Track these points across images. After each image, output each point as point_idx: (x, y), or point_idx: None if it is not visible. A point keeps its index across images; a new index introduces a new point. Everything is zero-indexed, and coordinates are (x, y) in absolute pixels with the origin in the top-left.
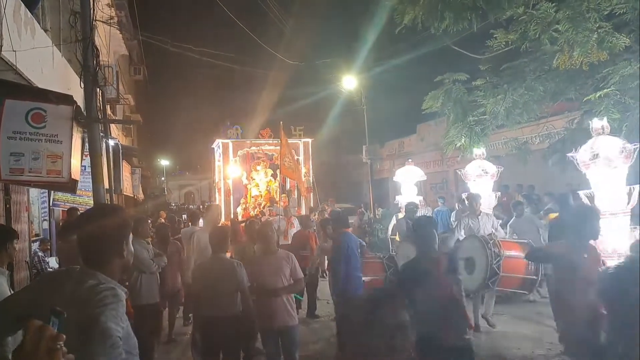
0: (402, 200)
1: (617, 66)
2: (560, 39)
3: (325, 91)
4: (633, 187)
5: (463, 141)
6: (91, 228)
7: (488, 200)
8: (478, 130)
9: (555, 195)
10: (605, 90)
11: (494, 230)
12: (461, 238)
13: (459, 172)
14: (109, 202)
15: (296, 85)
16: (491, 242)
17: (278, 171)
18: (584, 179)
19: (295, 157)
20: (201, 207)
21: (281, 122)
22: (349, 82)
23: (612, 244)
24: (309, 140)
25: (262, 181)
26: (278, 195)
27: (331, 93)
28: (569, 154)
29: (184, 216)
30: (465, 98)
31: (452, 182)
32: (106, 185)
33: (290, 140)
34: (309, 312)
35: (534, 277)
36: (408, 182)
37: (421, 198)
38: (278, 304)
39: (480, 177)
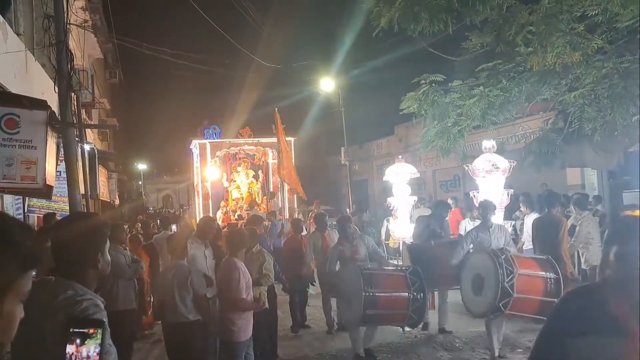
0: (394, 201)
1: (591, 67)
2: (533, 40)
3: (303, 93)
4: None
5: (440, 142)
6: (65, 238)
7: (499, 198)
8: (455, 131)
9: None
10: (579, 90)
11: (508, 247)
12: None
13: (466, 168)
14: (85, 208)
15: (274, 87)
16: (503, 257)
17: (260, 172)
18: (559, 180)
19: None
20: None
21: (276, 109)
22: (327, 84)
23: None
24: (292, 139)
25: (243, 183)
26: (260, 197)
27: (309, 95)
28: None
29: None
30: (442, 99)
31: (430, 183)
32: (82, 191)
33: (271, 140)
34: (296, 325)
35: (554, 299)
36: (400, 181)
37: (415, 198)
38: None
39: (491, 172)
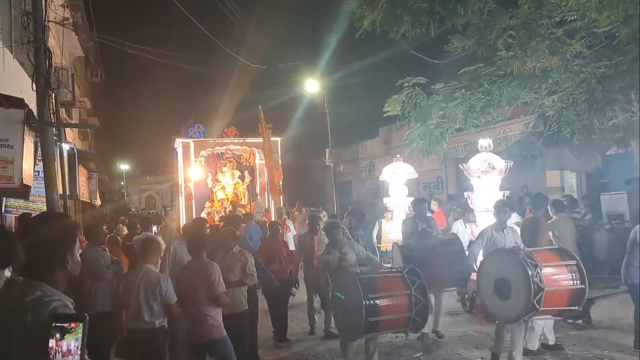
0: (390, 202)
1: (569, 71)
2: (514, 44)
3: (288, 95)
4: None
5: (422, 144)
6: (33, 238)
7: (494, 200)
8: (437, 133)
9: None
10: (558, 94)
11: (518, 243)
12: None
13: (461, 167)
14: (62, 208)
15: (259, 88)
16: (522, 252)
17: (246, 172)
18: (539, 182)
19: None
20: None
21: (260, 107)
22: (312, 85)
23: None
24: (278, 139)
25: (228, 183)
26: (246, 198)
27: (294, 96)
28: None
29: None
30: (425, 102)
31: (413, 184)
32: (60, 191)
33: (257, 140)
34: (277, 334)
35: (582, 286)
36: (397, 181)
37: (412, 199)
38: (200, 318)
39: (486, 173)
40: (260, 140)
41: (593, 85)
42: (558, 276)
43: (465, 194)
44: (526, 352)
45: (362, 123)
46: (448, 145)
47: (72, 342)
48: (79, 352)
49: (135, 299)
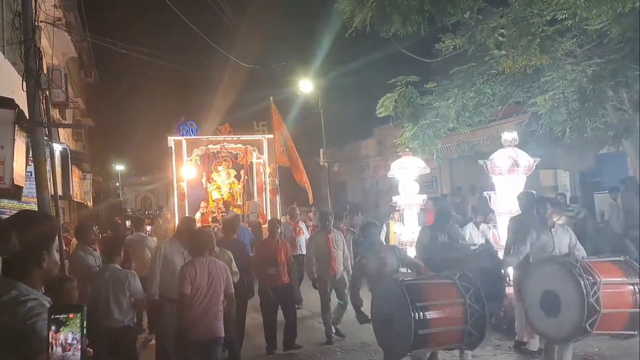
0: (401, 201)
1: (561, 70)
2: (505, 43)
3: (282, 94)
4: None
5: (415, 143)
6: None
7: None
8: (430, 133)
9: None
10: (550, 93)
11: (575, 252)
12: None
13: (481, 163)
14: (54, 209)
15: (253, 88)
16: (578, 265)
17: (242, 172)
18: (532, 181)
19: (282, 146)
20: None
21: (271, 98)
22: (306, 85)
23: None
24: (274, 136)
25: (224, 183)
26: (242, 199)
27: (288, 96)
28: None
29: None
30: (418, 101)
31: None
32: (52, 192)
33: (252, 137)
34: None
35: None
36: (407, 178)
37: (425, 197)
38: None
39: (512, 171)
40: (255, 137)
41: (584, 84)
42: (619, 296)
43: (485, 194)
44: (527, 352)
45: (356, 123)
46: (442, 145)
47: (69, 335)
48: (79, 344)
49: (105, 297)
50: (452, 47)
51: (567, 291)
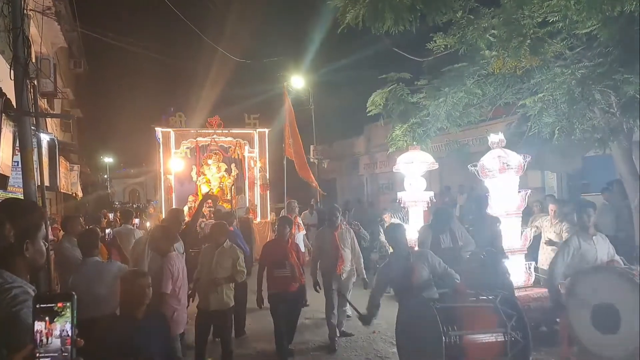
0: (406, 197)
1: (550, 72)
2: (495, 44)
3: (273, 90)
4: (526, 192)
5: (405, 141)
6: None
7: (513, 202)
8: (420, 131)
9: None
10: (539, 94)
11: (616, 258)
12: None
13: (470, 168)
14: (40, 199)
15: (244, 83)
16: (632, 277)
17: (233, 166)
18: (520, 182)
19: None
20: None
21: (285, 84)
22: (297, 81)
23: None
24: (265, 130)
25: (213, 177)
26: (231, 193)
27: (279, 92)
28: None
29: (111, 215)
30: (408, 99)
31: (397, 183)
32: (39, 182)
33: (243, 131)
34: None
35: None
36: (414, 174)
37: (432, 194)
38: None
39: (503, 171)
40: (245, 131)
41: (573, 87)
42: None
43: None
44: None
45: (347, 120)
46: (431, 145)
47: (66, 325)
48: (70, 335)
49: (86, 290)
50: (443, 46)
51: (628, 303)
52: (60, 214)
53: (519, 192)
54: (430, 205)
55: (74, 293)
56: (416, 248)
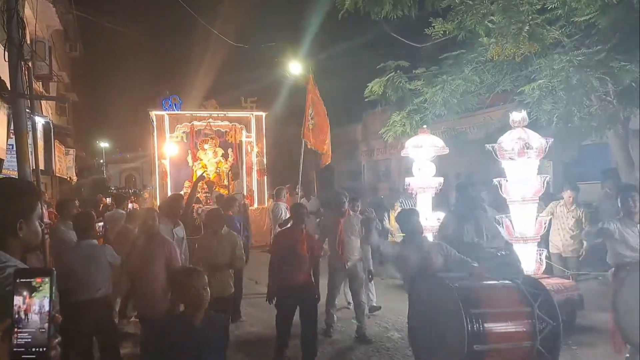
0: (414, 183)
1: (548, 59)
2: (494, 30)
3: (271, 76)
4: (544, 177)
5: (403, 128)
6: None
7: (531, 187)
8: (417, 118)
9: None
10: (538, 81)
11: None
12: None
13: (488, 147)
14: (36, 183)
15: (241, 68)
16: None
17: (230, 150)
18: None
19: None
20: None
21: (310, 68)
22: (295, 67)
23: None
24: (262, 113)
25: (210, 162)
26: (228, 179)
27: (277, 78)
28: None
29: (108, 200)
30: (406, 86)
31: (395, 170)
32: (33, 166)
33: (239, 114)
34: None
35: None
36: (423, 158)
37: (442, 180)
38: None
39: (523, 154)
40: (241, 114)
41: (571, 74)
42: None
43: (495, 180)
44: None
45: (345, 108)
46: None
47: (37, 302)
48: (48, 311)
49: (81, 272)
50: (442, 32)
51: None
52: (56, 198)
53: (539, 177)
54: (438, 192)
55: (53, 269)
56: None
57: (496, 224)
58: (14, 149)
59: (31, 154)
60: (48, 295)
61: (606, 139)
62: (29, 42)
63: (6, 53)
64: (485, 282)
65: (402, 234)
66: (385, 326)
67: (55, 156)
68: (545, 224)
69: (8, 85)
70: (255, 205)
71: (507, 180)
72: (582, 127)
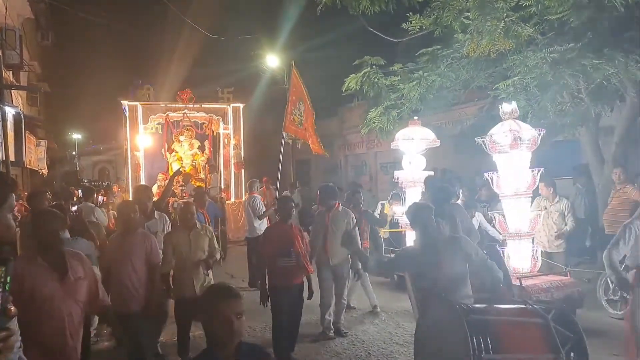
0: (403, 176)
1: (522, 56)
2: (470, 26)
3: (247, 69)
4: (538, 170)
5: (379, 124)
6: None
7: (524, 181)
8: (394, 114)
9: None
10: (512, 78)
11: None
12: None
13: (478, 141)
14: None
15: (218, 59)
16: None
17: (206, 142)
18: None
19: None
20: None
21: (293, 62)
22: (272, 61)
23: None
24: (240, 105)
25: (186, 154)
26: (204, 172)
27: (254, 71)
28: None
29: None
30: (383, 82)
31: (372, 164)
32: (3, 157)
33: (215, 105)
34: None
35: None
36: (414, 151)
37: (432, 173)
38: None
39: (515, 146)
40: (218, 106)
41: (545, 71)
42: None
43: (486, 175)
44: None
45: (321, 102)
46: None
47: None
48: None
49: None
50: (418, 27)
51: None
52: (26, 191)
53: (531, 170)
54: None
55: (11, 257)
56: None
57: (474, 219)
58: None
59: (1, 145)
60: (2, 284)
61: (578, 135)
62: None
63: None
64: (506, 316)
65: (388, 230)
66: (376, 323)
67: (26, 147)
68: (540, 218)
69: None
70: (233, 199)
71: (497, 175)
72: (555, 123)
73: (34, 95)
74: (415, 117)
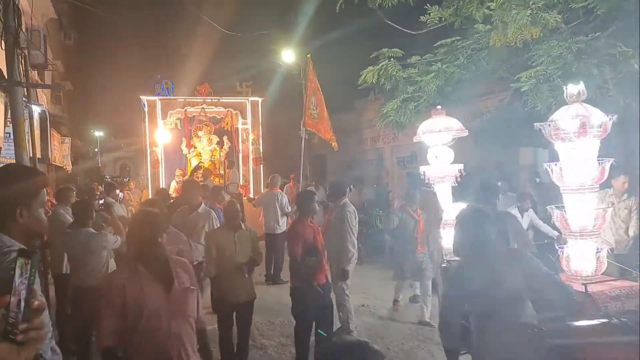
0: (430, 172)
1: (546, 46)
2: (494, 16)
3: (264, 64)
4: (606, 161)
5: (396, 117)
6: None
7: (590, 174)
8: (411, 107)
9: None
10: (534, 69)
11: None
12: None
13: (538, 127)
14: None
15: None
16: None
17: (225, 138)
18: (512, 158)
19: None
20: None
21: (309, 55)
22: (288, 55)
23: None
24: (259, 99)
25: (204, 150)
26: (223, 167)
27: (270, 66)
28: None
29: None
30: (400, 74)
31: (388, 159)
32: (30, 154)
33: (234, 99)
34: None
35: None
36: (438, 142)
37: (461, 166)
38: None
39: (582, 134)
40: (236, 100)
41: (569, 61)
42: None
43: (545, 165)
44: None
45: (337, 96)
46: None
47: (17, 279)
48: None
49: (81, 259)
50: (437, 19)
51: None
52: (52, 186)
53: (599, 161)
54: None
55: (37, 251)
56: (445, 229)
57: (525, 214)
58: (11, 137)
59: (28, 142)
60: (28, 278)
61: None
62: (24, 30)
63: (2, 41)
64: (595, 340)
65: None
66: (379, 315)
67: (52, 145)
68: (607, 215)
69: (5, 73)
70: (251, 195)
71: (558, 166)
72: None
73: (57, 93)
74: (439, 107)
